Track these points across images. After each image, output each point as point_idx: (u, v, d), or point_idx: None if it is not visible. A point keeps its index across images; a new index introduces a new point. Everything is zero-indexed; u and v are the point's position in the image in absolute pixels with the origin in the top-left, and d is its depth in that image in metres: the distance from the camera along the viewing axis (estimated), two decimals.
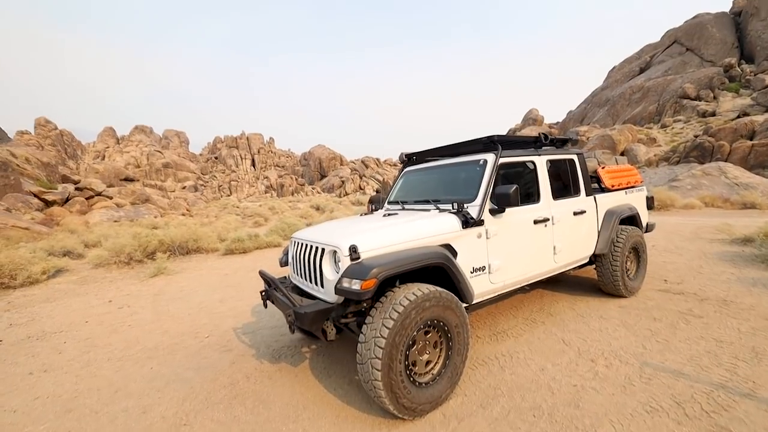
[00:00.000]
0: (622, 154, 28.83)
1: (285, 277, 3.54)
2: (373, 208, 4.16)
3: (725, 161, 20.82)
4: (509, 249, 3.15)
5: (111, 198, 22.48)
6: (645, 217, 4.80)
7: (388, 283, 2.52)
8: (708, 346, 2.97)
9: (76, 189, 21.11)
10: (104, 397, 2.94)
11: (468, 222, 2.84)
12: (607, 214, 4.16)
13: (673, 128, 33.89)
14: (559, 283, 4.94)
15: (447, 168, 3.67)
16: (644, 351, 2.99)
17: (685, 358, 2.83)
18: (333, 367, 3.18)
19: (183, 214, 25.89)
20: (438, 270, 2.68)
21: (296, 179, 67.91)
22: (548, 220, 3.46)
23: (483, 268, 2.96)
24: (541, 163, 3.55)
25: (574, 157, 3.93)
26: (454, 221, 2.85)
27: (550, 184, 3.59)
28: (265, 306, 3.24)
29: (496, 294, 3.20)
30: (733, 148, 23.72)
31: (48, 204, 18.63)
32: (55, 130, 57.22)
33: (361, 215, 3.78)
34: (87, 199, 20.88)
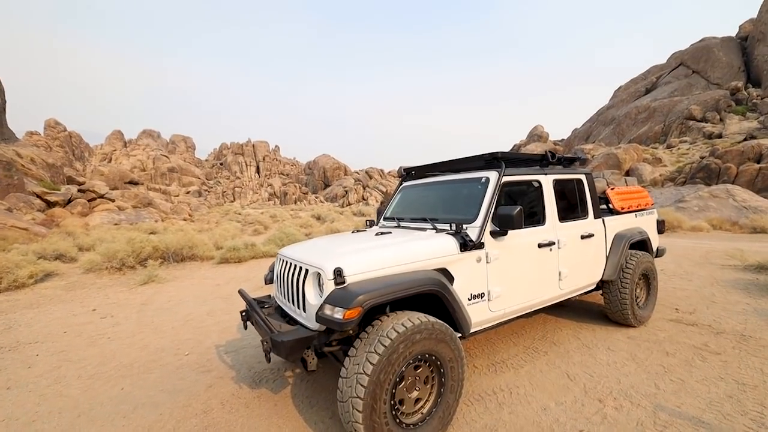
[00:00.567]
0: (627, 173, 28.62)
1: (269, 296, 3.31)
2: (368, 223, 3.96)
3: (732, 183, 20.54)
4: (511, 274, 2.92)
5: (113, 201, 22.47)
6: (655, 241, 4.56)
7: (377, 310, 2.29)
8: (729, 389, 2.69)
9: (79, 191, 21.14)
10: (64, 423, 2.69)
11: (467, 244, 2.62)
12: (616, 238, 3.92)
13: (679, 149, 33.70)
14: (563, 307, 4.67)
15: (446, 185, 3.47)
16: (657, 391, 2.72)
17: (704, 402, 2.56)
18: (317, 396, 2.92)
19: (185, 219, 25.82)
20: (432, 296, 2.45)
21: (300, 188, 68.05)
22: (554, 243, 3.23)
23: (482, 295, 2.73)
24: (547, 182, 3.34)
25: (583, 177, 3.72)
26: (452, 243, 2.63)
27: (557, 205, 3.37)
28: (245, 327, 3.01)
29: (496, 323, 2.96)
30: (740, 171, 23.45)
31: (50, 205, 18.61)
32: (64, 131, 57.92)
33: (353, 232, 3.57)
34: (89, 201, 20.88)
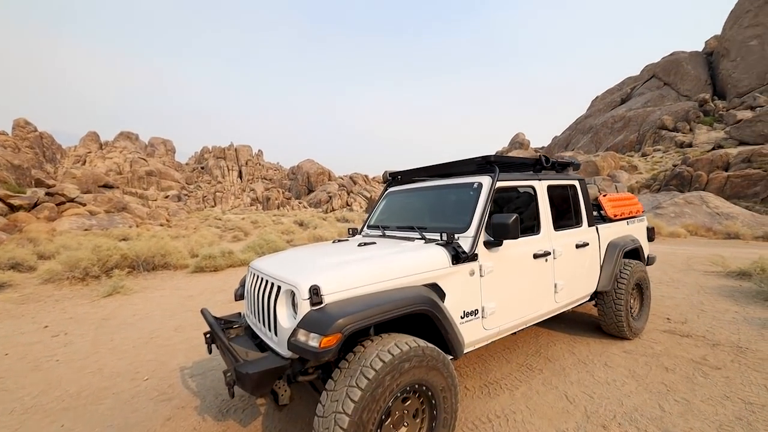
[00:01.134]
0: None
1: (239, 314, 2.96)
2: (351, 232, 3.67)
3: (704, 190, 21.33)
4: (506, 289, 2.68)
5: (84, 205, 21.28)
6: (646, 249, 4.45)
7: (359, 332, 2.00)
8: (737, 410, 2.52)
9: (47, 194, 19.91)
10: None
11: (459, 257, 2.37)
12: (609, 246, 3.76)
13: (653, 157, 34.97)
14: (555, 320, 4.47)
15: (435, 191, 3.22)
16: (663, 414, 2.52)
17: (714, 426, 2.37)
18: (290, 429, 2.58)
19: (162, 225, 24.73)
20: (421, 315, 2.17)
21: (283, 193, 66.93)
22: (549, 254, 3.02)
23: (475, 312, 2.47)
24: (541, 188, 3.13)
25: (576, 183, 3.55)
26: (443, 255, 2.37)
27: (551, 213, 3.18)
28: (209, 351, 2.64)
29: (489, 341, 2.71)
30: (710, 178, 24.44)
31: (13, 209, 17.39)
32: (35, 132, 55.10)
33: (334, 241, 3.26)
34: (57, 205, 19.69)
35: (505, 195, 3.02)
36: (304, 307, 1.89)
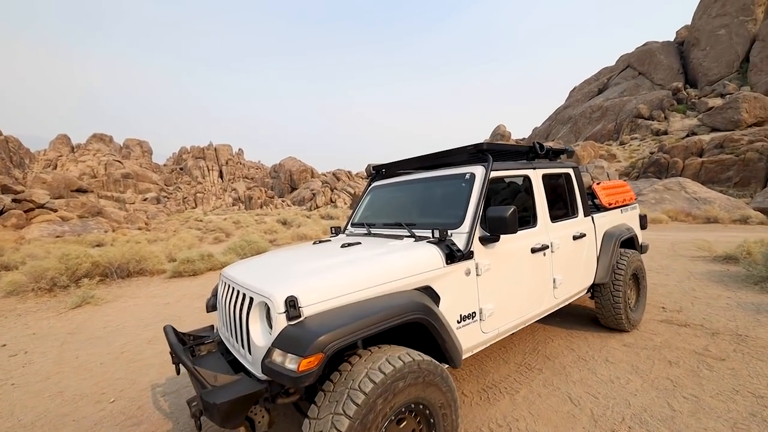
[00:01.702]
0: (586, 170, 29.96)
1: (212, 327, 2.66)
2: (333, 231, 3.40)
3: (680, 176, 21.93)
4: (505, 287, 2.48)
5: (55, 211, 20.22)
6: (640, 237, 4.35)
7: (345, 347, 1.75)
8: (749, 405, 2.40)
9: (14, 201, 18.78)
10: None
11: (454, 255, 2.14)
12: (605, 236, 3.62)
13: (630, 145, 35.79)
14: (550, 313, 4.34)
15: (424, 183, 2.97)
16: (674, 414, 2.37)
17: (729, 425, 2.23)
18: None
19: (140, 228, 23.77)
20: (415, 324, 1.94)
21: (265, 191, 65.64)
22: (547, 247, 2.83)
23: (473, 315, 2.26)
24: (536, 177, 2.93)
25: (570, 172, 3.37)
26: (436, 255, 2.14)
27: (547, 204, 2.99)
28: (177, 372, 2.34)
29: (487, 345, 2.51)
30: (686, 165, 25.16)
31: None
32: (0, 136, 52.13)
33: (315, 243, 2.99)
34: (26, 212, 18.63)
35: (498, 186, 2.80)
36: (280, 322, 1.63)
